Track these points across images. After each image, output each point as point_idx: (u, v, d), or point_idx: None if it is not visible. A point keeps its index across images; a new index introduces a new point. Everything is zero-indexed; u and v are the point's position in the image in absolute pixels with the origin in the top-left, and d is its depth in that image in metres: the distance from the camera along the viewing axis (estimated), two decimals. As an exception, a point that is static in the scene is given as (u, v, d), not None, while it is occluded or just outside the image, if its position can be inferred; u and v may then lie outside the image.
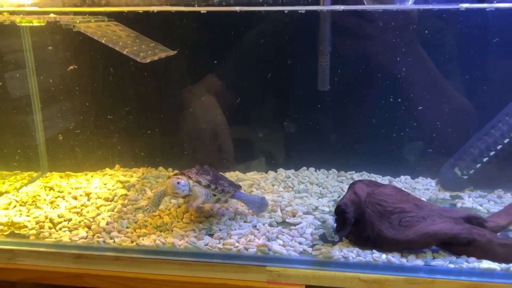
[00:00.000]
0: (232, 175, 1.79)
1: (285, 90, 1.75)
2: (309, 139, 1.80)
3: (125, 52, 1.32)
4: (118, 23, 1.52)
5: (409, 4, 1.59)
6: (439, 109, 1.69)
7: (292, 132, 1.81)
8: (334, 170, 1.82)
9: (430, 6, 1.44)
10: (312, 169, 1.83)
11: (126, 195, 1.62)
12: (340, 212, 1.26)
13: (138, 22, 1.49)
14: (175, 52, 1.55)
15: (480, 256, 1.19)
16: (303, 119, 1.78)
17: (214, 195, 1.39)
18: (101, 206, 1.56)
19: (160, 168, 1.87)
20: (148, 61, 1.38)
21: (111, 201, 1.60)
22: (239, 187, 1.48)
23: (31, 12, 1.25)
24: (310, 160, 1.84)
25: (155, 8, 1.16)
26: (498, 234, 1.32)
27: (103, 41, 1.31)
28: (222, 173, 1.51)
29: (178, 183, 1.32)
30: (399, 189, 1.31)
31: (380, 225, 1.24)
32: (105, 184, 1.72)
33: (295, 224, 1.43)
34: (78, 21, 1.33)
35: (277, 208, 1.51)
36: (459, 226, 1.20)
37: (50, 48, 1.73)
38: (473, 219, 1.23)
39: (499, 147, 1.61)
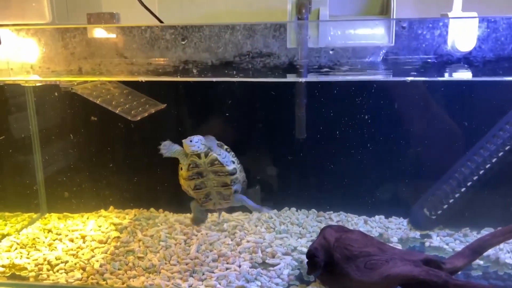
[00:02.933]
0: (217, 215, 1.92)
1: (270, 138, 1.91)
2: (291, 181, 1.94)
3: (117, 112, 1.47)
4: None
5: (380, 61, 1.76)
6: (413, 150, 1.84)
7: (275, 175, 1.95)
8: (314, 210, 1.95)
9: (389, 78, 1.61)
10: (293, 209, 1.96)
11: (118, 237, 1.75)
12: (310, 256, 1.38)
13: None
14: (165, 105, 1.70)
15: (438, 296, 1.31)
16: (285, 163, 1.93)
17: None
18: (95, 248, 1.69)
19: (152, 209, 2.00)
20: (139, 118, 1.53)
21: (104, 243, 1.72)
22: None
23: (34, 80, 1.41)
24: (291, 201, 1.98)
25: (142, 79, 1.31)
26: (459, 273, 1.45)
27: (97, 102, 1.47)
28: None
29: (190, 141, 1.40)
30: (365, 234, 1.44)
31: (347, 268, 1.36)
32: (99, 227, 1.85)
33: (273, 265, 1.55)
34: (75, 83, 1.49)
35: (258, 249, 1.63)
36: (418, 268, 1.33)
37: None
38: (430, 262, 1.35)
39: (463, 189, 1.74)
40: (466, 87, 1.73)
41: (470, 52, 1.58)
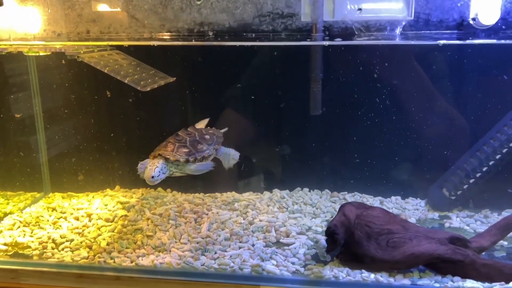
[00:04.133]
0: (228, 196, 1.85)
1: (282, 115, 1.83)
2: (304, 160, 1.87)
3: (126, 81, 1.39)
4: (120, 51, 1.60)
5: (398, 35, 1.68)
6: (431, 130, 1.76)
7: (287, 154, 1.88)
8: (327, 190, 1.88)
9: (416, 42, 1.53)
10: (306, 189, 1.90)
11: (126, 215, 1.68)
12: (330, 233, 1.32)
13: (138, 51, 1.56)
14: (174, 78, 1.63)
15: (464, 275, 1.25)
16: (299, 142, 1.85)
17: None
18: (102, 226, 1.62)
19: (159, 189, 1.93)
20: (148, 89, 1.46)
21: (111, 221, 1.66)
22: (220, 139, 1.46)
23: (38, 45, 1.33)
24: (304, 181, 1.91)
25: (155, 43, 1.24)
26: (483, 253, 1.38)
27: (105, 71, 1.39)
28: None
29: (152, 177, 1.30)
30: (387, 211, 1.37)
31: (368, 246, 1.29)
32: (106, 205, 1.79)
33: (288, 245, 1.48)
34: (81, 52, 1.41)
35: (271, 228, 1.57)
36: (443, 247, 1.26)
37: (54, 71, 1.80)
38: (456, 240, 1.29)
39: (484, 169, 1.68)
40: (489, 58, 1.65)
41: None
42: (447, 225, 1.64)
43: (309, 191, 1.89)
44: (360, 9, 1.36)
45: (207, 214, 1.67)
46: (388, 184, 1.83)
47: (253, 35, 1.13)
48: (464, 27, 1.58)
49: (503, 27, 1.53)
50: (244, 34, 1.13)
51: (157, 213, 1.69)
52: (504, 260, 1.41)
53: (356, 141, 1.80)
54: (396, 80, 1.72)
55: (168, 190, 1.93)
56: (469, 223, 1.64)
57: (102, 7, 1.20)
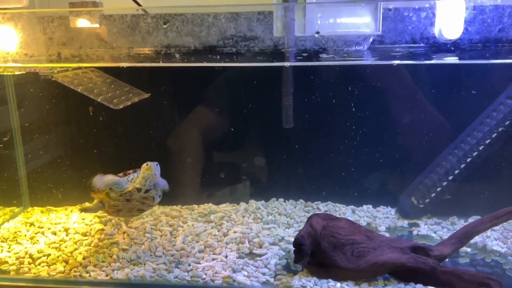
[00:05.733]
0: (205, 207, 1.89)
1: (257, 129, 1.88)
2: (280, 171, 1.92)
3: (99, 100, 1.43)
4: (95, 69, 1.64)
5: (365, 50, 1.74)
6: (401, 139, 1.82)
7: (261, 165, 1.93)
8: (301, 200, 1.93)
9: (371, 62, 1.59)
10: (281, 199, 1.94)
11: (102, 229, 1.71)
12: (297, 244, 1.36)
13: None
14: (149, 94, 1.67)
15: (426, 282, 1.30)
16: (274, 154, 1.90)
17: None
18: (78, 241, 1.65)
19: (137, 201, 1.96)
20: (121, 107, 1.50)
21: (88, 236, 1.69)
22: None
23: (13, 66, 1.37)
24: (280, 191, 1.96)
25: (124, 64, 1.28)
26: (446, 260, 1.44)
27: (78, 90, 1.43)
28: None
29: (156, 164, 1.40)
30: (352, 222, 1.42)
31: (334, 256, 1.34)
32: (83, 219, 1.81)
33: (261, 255, 1.53)
34: (56, 71, 1.45)
35: (245, 240, 1.61)
36: (405, 255, 1.32)
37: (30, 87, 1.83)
38: (419, 249, 1.35)
39: (450, 177, 1.74)
40: (452, 72, 1.72)
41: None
42: (415, 232, 1.69)
43: (284, 201, 1.94)
44: (318, 32, 1.42)
45: (182, 227, 1.71)
46: (360, 193, 1.89)
47: (218, 56, 1.18)
48: (431, 42, 1.65)
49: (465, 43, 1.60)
50: (209, 56, 1.18)
51: (133, 226, 1.72)
52: (468, 267, 1.47)
53: (329, 152, 1.86)
54: (364, 92, 1.79)
55: (146, 202, 1.96)
56: (436, 230, 1.70)
57: (73, 31, 1.25)
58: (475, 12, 1.61)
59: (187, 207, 1.91)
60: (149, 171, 1.40)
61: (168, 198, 1.94)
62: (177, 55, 1.18)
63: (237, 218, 1.78)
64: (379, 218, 1.81)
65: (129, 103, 1.53)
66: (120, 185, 1.42)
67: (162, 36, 1.17)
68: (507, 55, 1.52)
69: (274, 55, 1.30)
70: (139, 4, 1.50)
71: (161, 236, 1.65)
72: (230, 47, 1.16)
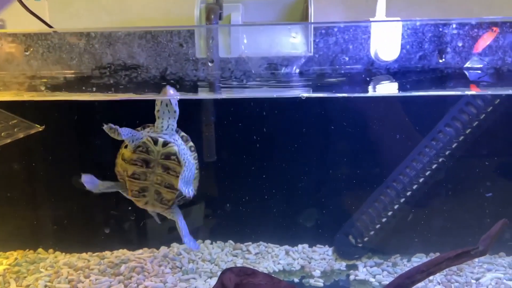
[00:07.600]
0: (118, 254, 1.65)
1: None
2: (206, 211, 1.71)
3: (-35, 138, 1.18)
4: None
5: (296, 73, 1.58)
6: (335, 174, 1.66)
7: (188, 204, 1.71)
8: (231, 241, 1.72)
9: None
10: (208, 241, 1.72)
11: (-14, 290, 1.44)
12: (206, 309, 1.15)
13: None
14: (42, 127, 1.42)
15: None
16: (199, 191, 1.70)
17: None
18: (-47, 307, 1.37)
19: (40, 249, 1.68)
20: (1, 144, 1.25)
21: (-34, 299, 1.40)
22: None
23: None
24: (207, 232, 1.74)
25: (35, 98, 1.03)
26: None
27: None
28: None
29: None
30: (271, 277, 1.22)
31: (251, 320, 1.14)
32: None
33: (171, 318, 1.30)
34: None
35: (156, 296, 1.38)
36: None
37: None
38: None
39: (390, 213, 1.59)
40: (389, 102, 1.58)
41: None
42: (352, 277, 1.52)
43: (211, 243, 1.72)
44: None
45: (82, 282, 1.45)
46: (295, 232, 1.70)
47: (94, 89, 0.96)
48: (366, 63, 1.52)
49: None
50: (83, 88, 0.96)
51: (24, 284, 1.45)
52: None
53: (263, 189, 1.66)
54: (297, 123, 1.62)
55: (51, 250, 1.68)
56: (375, 274, 1.52)
57: None
58: (412, 32, 1.50)
59: (98, 254, 1.65)
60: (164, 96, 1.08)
61: (81, 243, 1.71)
62: (42, 88, 0.96)
63: (151, 268, 1.54)
64: (315, 260, 1.62)
65: (9, 141, 1.28)
66: (132, 136, 1.11)
67: (25, 65, 0.95)
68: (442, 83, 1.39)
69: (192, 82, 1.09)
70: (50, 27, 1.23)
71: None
72: (107, 77, 0.95)
